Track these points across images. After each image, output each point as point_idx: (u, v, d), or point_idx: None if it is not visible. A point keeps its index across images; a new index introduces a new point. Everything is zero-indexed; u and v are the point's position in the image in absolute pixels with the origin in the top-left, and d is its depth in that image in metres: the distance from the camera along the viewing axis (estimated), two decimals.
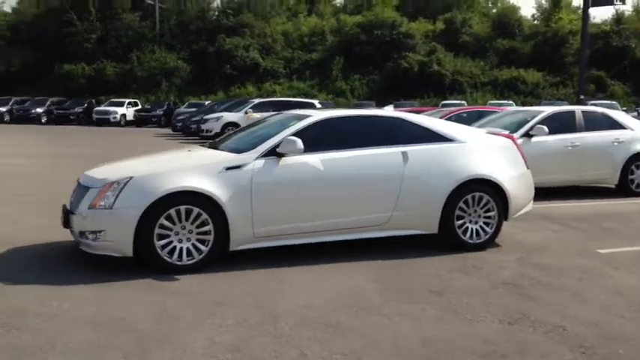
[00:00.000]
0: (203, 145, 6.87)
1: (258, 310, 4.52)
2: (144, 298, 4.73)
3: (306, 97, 36.15)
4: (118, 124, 37.83)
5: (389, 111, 7.20)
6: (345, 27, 50.90)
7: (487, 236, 6.44)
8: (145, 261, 5.32)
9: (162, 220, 5.26)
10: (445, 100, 41.07)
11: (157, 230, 5.25)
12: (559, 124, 10.27)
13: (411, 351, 3.86)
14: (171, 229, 5.31)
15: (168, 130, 31.94)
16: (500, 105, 31.67)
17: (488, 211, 6.43)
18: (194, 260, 5.40)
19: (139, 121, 38.62)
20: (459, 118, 13.52)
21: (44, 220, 7.24)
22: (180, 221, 5.33)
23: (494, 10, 59.70)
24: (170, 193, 5.27)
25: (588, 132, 10.29)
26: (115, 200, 5.21)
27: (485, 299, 4.89)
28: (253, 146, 5.82)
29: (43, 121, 38.92)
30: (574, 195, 10.24)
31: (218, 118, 24.07)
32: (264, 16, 51.91)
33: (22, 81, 45.87)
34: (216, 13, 53.00)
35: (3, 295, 4.74)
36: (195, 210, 5.36)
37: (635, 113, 28.28)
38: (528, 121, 10.17)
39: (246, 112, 23.42)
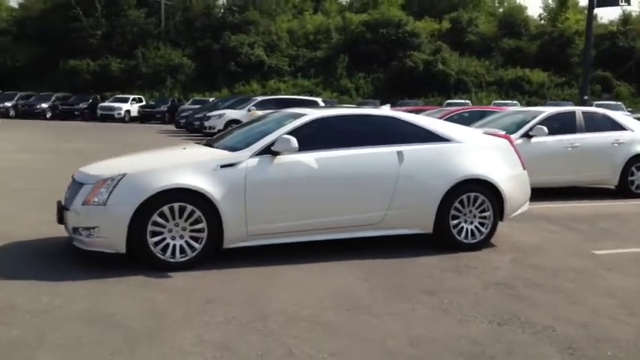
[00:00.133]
0: (199, 143, 6.88)
1: (248, 308, 4.53)
2: (135, 295, 4.75)
3: (311, 95, 36.17)
4: (122, 120, 37.94)
5: (385, 110, 7.17)
6: (351, 25, 50.85)
7: (482, 236, 6.44)
8: (138, 258, 5.34)
9: (156, 217, 5.27)
10: (450, 99, 41.02)
11: (150, 227, 5.26)
12: (559, 124, 10.24)
13: (398, 350, 3.87)
14: (164, 226, 5.32)
15: (171, 127, 31.98)
16: (504, 105, 31.66)
17: (483, 211, 6.42)
18: (187, 257, 5.42)
19: (143, 117, 38.75)
20: (460, 118, 13.50)
21: (44, 215, 7.25)
22: (173, 218, 5.34)
23: (500, 10, 59.52)
24: (163, 190, 5.29)
25: (588, 133, 10.26)
26: (108, 197, 5.23)
27: (477, 299, 4.89)
28: (248, 144, 5.83)
29: (47, 116, 39.06)
30: (574, 196, 10.22)
31: (221, 116, 24.11)
32: (269, 13, 51.92)
33: (28, 76, 45.98)
34: (222, 10, 53.01)
35: None
36: (189, 207, 5.37)
37: None
38: (528, 122, 10.15)
39: (249, 110, 23.43)
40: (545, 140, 9.93)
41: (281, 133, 5.84)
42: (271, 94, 37.16)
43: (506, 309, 4.66)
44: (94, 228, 5.25)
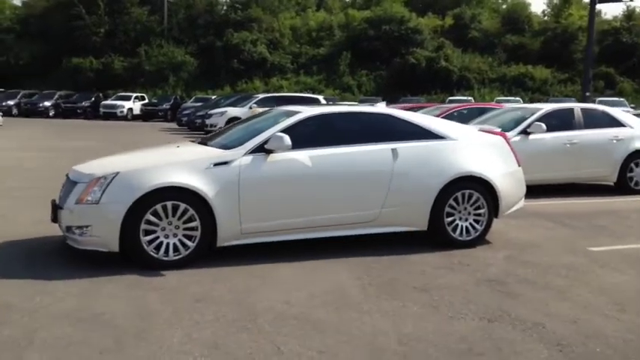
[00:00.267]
0: (194, 141, 6.89)
1: (238, 307, 4.54)
2: (126, 294, 4.76)
3: (313, 93, 36.22)
4: (124, 118, 37.98)
5: (380, 107, 7.18)
6: (354, 22, 50.83)
7: (477, 233, 6.44)
8: (131, 257, 5.35)
9: (149, 216, 5.28)
10: (452, 96, 40.95)
11: (144, 226, 5.27)
12: (557, 121, 10.23)
13: (386, 348, 3.87)
14: (157, 225, 5.33)
15: (174, 125, 32.02)
16: (507, 102, 31.59)
17: (478, 208, 6.42)
18: (180, 256, 5.43)
19: (146, 116, 38.79)
20: (459, 115, 13.49)
21: (39, 214, 7.28)
22: (166, 217, 5.35)
23: (504, 6, 59.40)
24: (157, 189, 5.30)
25: (587, 129, 10.24)
26: (101, 195, 5.24)
27: (468, 296, 4.89)
28: (242, 142, 5.84)
29: (50, 114, 39.10)
30: (572, 193, 10.21)
31: (222, 113, 24.13)
32: (272, 10, 51.90)
33: (31, 74, 46.10)
34: (225, 7, 53.05)
35: None
36: (182, 206, 5.38)
37: None
38: (526, 119, 10.14)
39: (250, 107, 23.43)
40: (544, 137, 9.92)
41: (274, 131, 5.84)
42: (274, 92, 37.21)
43: (497, 306, 4.66)
44: (87, 227, 5.26)
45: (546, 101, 32.70)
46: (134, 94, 40.74)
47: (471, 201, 6.38)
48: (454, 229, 6.36)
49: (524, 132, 9.88)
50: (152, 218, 5.30)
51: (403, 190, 6.13)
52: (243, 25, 48.90)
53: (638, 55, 45.95)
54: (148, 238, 5.31)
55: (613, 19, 51.25)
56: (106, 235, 5.25)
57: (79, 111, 39.83)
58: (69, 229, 5.39)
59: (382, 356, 3.77)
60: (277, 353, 3.76)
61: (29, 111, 38.83)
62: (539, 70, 46.24)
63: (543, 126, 9.79)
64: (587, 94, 27.96)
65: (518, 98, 38.37)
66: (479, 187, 6.39)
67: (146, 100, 40.93)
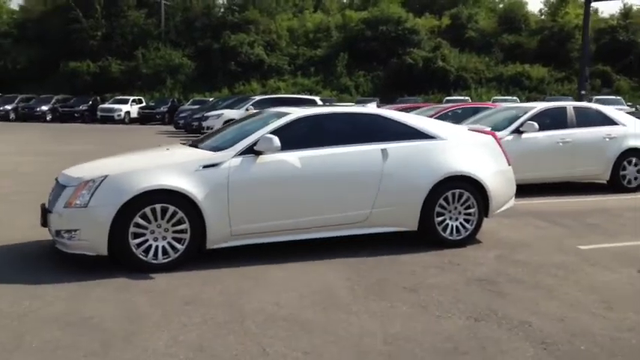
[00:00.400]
0: (184, 144, 6.90)
1: (226, 309, 4.55)
2: (115, 297, 4.77)
3: (311, 94, 36.26)
4: (122, 121, 37.98)
5: (370, 108, 7.18)
6: (351, 23, 50.89)
7: (467, 233, 6.45)
8: (120, 260, 5.36)
9: (138, 219, 5.29)
10: (449, 96, 40.99)
11: (132, 229, 5.28)
12: (550, 120, 10.25)
13: (372, 348, 3.88)
14: (146, 228, 5.34)
15: (171, 128, 32.03)
16: (504, 101, 31.62)
17: (468, 207, 6.43)
18: (170, 259, 5.43)
19: (143, 119, 38.76)
20: (454, 115, 13.52)
21: (34, 218, 7.27)
22: (155, 220, 5.35)
23: (500, 6, 59.46)
24: (145, 192, 5.30)
25: (579, 128, 10.25)
26: (90, 199, 5.25)
27: (457, 296, 4.90)
28: (231, 144, 5.85)
29: (48, 118, 39.12)
30: (565, 191, 10.22)
31: (219, 115, 24.15)
32: (269, 12, 51.98)
33: (28, 79, 46.17)
34: (222, 9, 53.14)
35: None
36: (171, 208, 5.38)
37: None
38: (519, 118, 10.15)
39: (246, 109, 23.44)
40: (536, 136, 9.93)
41: (264, 133, 5.85)
42: (271, 93, 37.24)
43: (485, 305, 4.67)
44: (75, 230, 5.26)
45: (543, 100, 32.69)
46: (131, 98, 40.72)
47: (461, 200, 6.39)
48: (444, 229, 6.37)
49: (517, 131, 9.90)
50: (141, 221, 5.30)
51: (393, 190, 6.14)
52: (240, 27, 48.98)
53: (634, 53, 46.00)
54: (137, 241, 5.31)
55: (610, 17, 51.31)
56: (94, 239, 5.25)
57: (76, 115, 39.86)
58: (58, 233, 5.40)
59: (367, 356, 3.77)
60: (263, 354, 3.77)
61: (27, 115, 38.89)
62: (536, 69, 46.31)
63: (535, 125, 9.80)
64: (583, 92, 27.98)
65: (515, 97, 38.38)
66: (469, 186, 6.40)
67: (143, 104, 40.89)
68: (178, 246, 5.46)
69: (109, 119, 37.88)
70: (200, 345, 3.89)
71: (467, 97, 39.34)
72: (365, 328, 4.22)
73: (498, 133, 9.53)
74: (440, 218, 6.34)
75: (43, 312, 4.43)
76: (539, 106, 10.65)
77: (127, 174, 5.42)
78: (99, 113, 38.66)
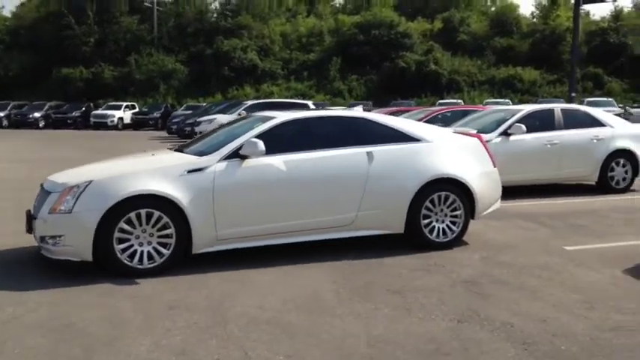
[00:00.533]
0: (170, 149, 6.91)
1: (211, 313, 4.55)
2: (99, 303, 4.77)
3: (304, 98, 36.27)
4: (115, 127, 37.90)
5: (356, 111, 7.21)
6: (343, 27, 50.99)
7: (454, 235, 6.47)
8: (105, 265, 5.36)
9: (122, 224, 5.29)
10: (442, 99, 41.11)
11: (117, 234, 5.28)
12: (538, 122, 10.30)
13: (354, 351, 3.89)
14: (131, 233, 5.34)
15: (164, 133, 31.99)
16: (496, 104, 31.76)
17: (454, 210, 6.46)
18: (155, 264, 5.44)
19: (137, 124, 38.72)
20: (444, 118, 13.57)
21: (21, 225, 7.27)
22: (140, 225, 5.36)
23: (492, 9, 59.69)
24: (130, 197, 5.31)
25: (567, 130, 10.30)
26: (74, 204, 5.25)
27: (441, 298, 4.92)
28: (216, 149, 5.86)
29: (40, 125, 39.01)
30: (554, 193, 10.26)
31: (211, 120, 24.11)
32: (262, 17, 52.02)
33: (21, 85, 46.08)
34: (215, 14, 53.13)
35: None
36: (156, 213, 5.39)
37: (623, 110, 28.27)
38: (507, 120, 10.19)
39: (239, 114, 23.43)
40: (524, 138, 9.97)
41: (248, 137, 5.87)
42: (265, 98, 37.23)
43: (468, 306, 4.69)
44: (60, 236, 5.26)
45: (535, 102, 32.80)
46: (124, 104, 40.66)
47: (448, 203, 6.41)
48: (431, 231, 6.39)
49: (505, 133, 9.94)
50: (126, 226, 5.31)
51: (379, 193, 6.16)
52: (233, 32, 49.01)
53: (625, 55, 46.22)
54: (122, 246, 5.32)
55: (601, 19, 51.57)
56: (79, 245, 5.25)
57: (69, 121, 39.76)
58: (43, 239, 5.40)
59: (350, 358, 3.79)
60: (245, 358, 3.78)
61: (19, 122, 38.80)
62: (528, 72, 46.47)
63: (523, 127, 9.85)
64: (573, 94, 28.08)
65: (507, 100, 38.56)
66: (455, 188, 6.42)
67: (137, 109, 40.87)
68: (164, 251, 5.46)
69: (102, 125, 37.79)
70: (183, 349, 3.89)
71: (459, 100, 39.50)
72: (348, 330, 4.24)
73: (487, 136, 9.63)
74: (426, 221, 6.36)
75: (26, 318, 4.43)
76: (526, 108, 10.70)
77: (111, 179, 5.43)
78: (92, 119, 38.58)
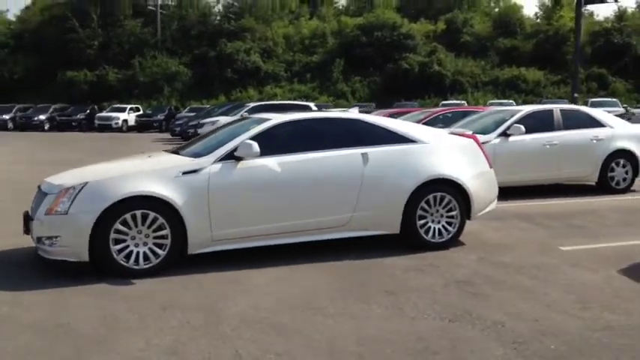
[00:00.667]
0: (167, 151, 6.94)
1: (204, 313, 4.58)
2: (94, 303, 4.80)
3: (307, 100, 36.32)
4: (119, 129, 38.03)
5: (351, 113, 7.24)
6: (346, 29, 51.04)
7: (450, 235, 6.48)
8: (101, 266, 5.39)
9: (118, 225, 5.33)
10: (446, 100, 41.08)
11: (113, 235, 5.32)
12: (537, 123, 10.29)
13: (344, 350, 3.91)
14: (127, 234, 5.38)
15: (168, 135, 32.08)
16: (500, 104, 31.71)
17: (450, 210, 6.47)
18: (151, 264, 5.47)
19: (141, 127, 38.87)
20: (444, 119, 13.59)
21: (17, 226, 7.32)
22: (136, 226, 5.39)
23: (496, 10, 59.64)
24: (125, 198, 5.34)
25: (567, 130, 10.29)
26: (70, 205, 5.29)
27: (434, 297, 4.93)
28: (211, 151, 5.90)
29: (45, 127, 39.16)
30: (554, 193, 10.26)
31: (214, 122, 24.15)
32: (265, 19, 52.16)
33: (26, 88, 46.36)
34: (218, 17, 53.30)
35: None
36: (152, 214, 5.42)
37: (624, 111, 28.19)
38: (506, 121, 10.20)
39: (241, 116, 23.47)
40: (523, 139, 9.98)
41: (243, 139, 5.90)
42: (268, 100, 37.32)
43: (461, 306, 4.70)
44: (56, 237, 5.31)
45: (539, 103, 32.75)
46: (129, 106, 40.84)
47: (443, 203, 6.43)
48: (427, 232, 6.40)
49: (504, 134, 9.94)
50: (121, 227, 5.34)
51: (374, 194, 6.18)
52: (236, 34, 49.15)
53: (629, 55, 46.12)
54: (118, 247, 5.35)
55: (605, 20, 51.51)
56: (75, 245, 5.29)
57: (74, 124, 39.95)
58: (39, 239, 5.44)
59: (339, 357, 3.81)
60: (235, 357, 3.81)
61: (24, 125, 38.95)
62: (532, 73, 46.43)
63: (522, 128, 9.85)
64: (576, 95, 28.02)
65: (511, 101, 38.50)
66: (450, 189, 6.44)
67: (141, 112, 41.01)
68: (159, 251, 5.49)
69: (106, 127, 37.93)
70: (174, 349, 3.92)
71: (463, 102, 39.46)
72: (340, 330, 4.26)
73: (486, 137, 9.66)
74: (422, 221, 6.38)
75: (21, 318, 4.47)
76: (526, 109, 10.71)
77: (106, 181, 5.47)
78: (96, 122, 38.74)
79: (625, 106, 33.02)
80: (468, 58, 48.49)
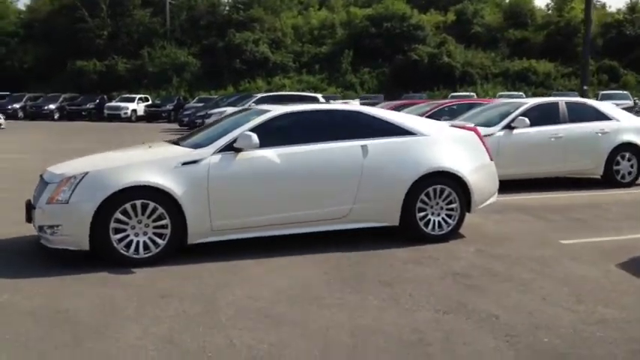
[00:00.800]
0: (167, 141, 6.99)
1: (201, 302, 4.63)
2: (93, 291, 4.86)
3: (316, 91, 36.28)
4: (128, 119, 38.21)
5: (352, 105, 7.24)
6: (355, 20, 50.83)
7: (449, 228, 6.49)
8: (101, 255, 5.45)
9: (118, 215, 5.38)
10: (455, 92, 40.88)
11: (113, 224, 5.37)
12: (542, 115, 10.25)
13: (337, 340, 3.95)
14: (127, 223, 5.43)
15: (176, 125, 32.18)
16: (510, 97, 31.53)
17: (450, 203, 6.47)
18: (151, 253, 5.52)
19: (150, 117, 39.02)
20: (450, 111, 13.56)
21: (19, 215, 7.40)
22: (136, 215, 5.45)
23: (506, 1, 59.17)
24: (125, 188, 5.40)
25: (572, 123, 10.24)
26: (70, 195, 5.35)
27: (430, 289, 4.96)
28: (211, 142, 5.94)
29: (55, 117, 39.47)
30: (558, 187, 10.22)
31: (222, 113, 24.21)
32: (274, 10, 52.04)
33: (35, 77, 46.61)
34: (227, 7, 53.23)
35: None
36: (151, 204, 5.47)
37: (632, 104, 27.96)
38: (511, 113, 10.16)
39: (249, 107, 23.52)
40: (528, 131, 9.94)
41: (243, 130, 5.93)
42: (276, 91, 37.32)
43: (457, 298, 4.73)
44: (57, 226, 5.37)
45: (549, 95, 32.53)
46: (138, 96, 41.01)
47: (443, 196, 6.43)
48: (426, 224, 6.41)
49: (509, 127, 9.91)
50: (122, 217, 5.40)
51: (374, 186, 6.20)
52: (245, 25, 49.05)
53: None
54: (118, 236, 5.41)
55: (617, 11, 51.02)
56: (76, 234, 5.35)
57: (83, 113, 40.24)
58: (41, 228, 5.51)
59: (332, 347, 3.85)
60: (229, 346, 3.85)
61: (34, 114, 39.26)
62: (542, 65, 46.05)
63: (526, 120, 9.81)
64: (585, 87, 27.82)
65: (521, 93, 38.27)
66: (450, 182, 6.44)
67: (150, 102, 41.18)
68: (159, 241, 5.55)
69: (115, 117, 38.13)
70: (169, 337, 3.97)
71: (472, 93, 39.23)
72: (334, 321, 4.29)
73: (490, 129, 9.65)
74: (422, 214, 6.39)
75: (21, 305, 4.54)
76: (531, 101, 10.66)
77: (107, 170, 5.52)
78: (106, 111, 38.95)
79: (635, 99, 32.73)
80: (478, 50, 48.16)
